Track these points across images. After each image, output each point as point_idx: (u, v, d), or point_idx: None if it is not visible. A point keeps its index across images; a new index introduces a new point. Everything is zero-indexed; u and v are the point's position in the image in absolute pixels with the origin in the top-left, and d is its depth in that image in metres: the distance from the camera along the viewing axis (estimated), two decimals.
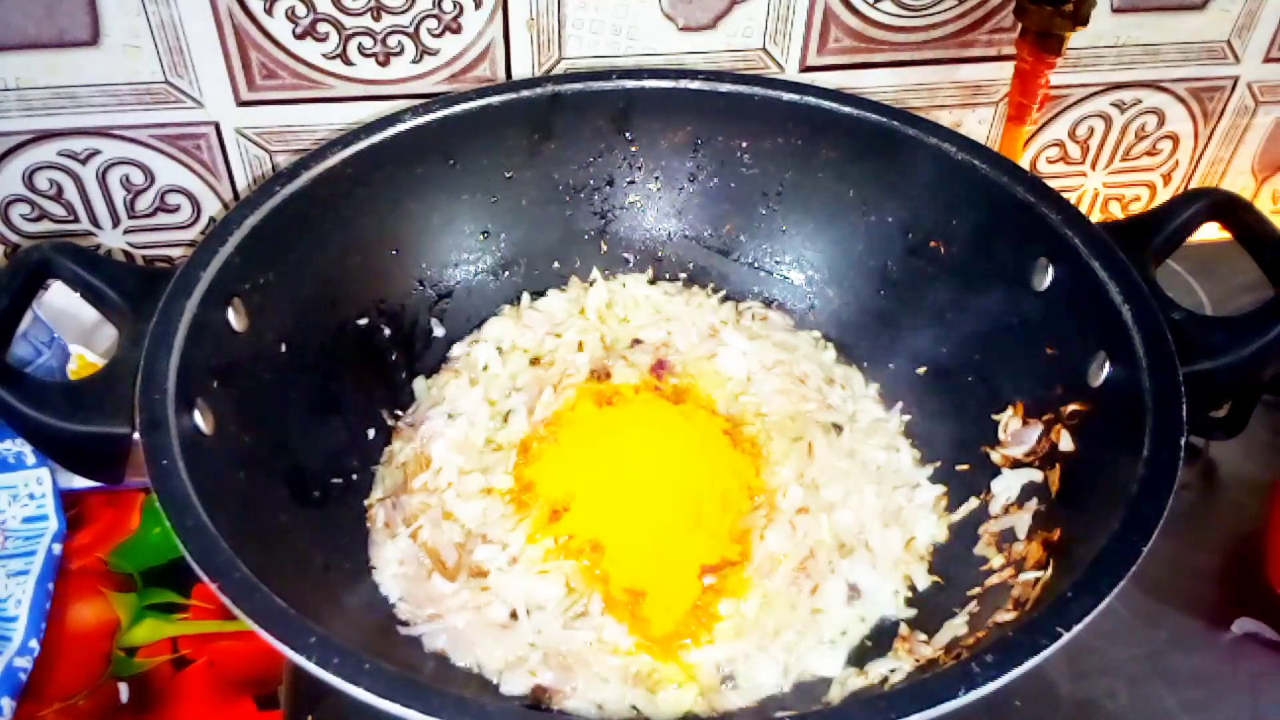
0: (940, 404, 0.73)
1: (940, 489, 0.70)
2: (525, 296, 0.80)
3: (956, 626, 0.60)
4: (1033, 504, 0.64)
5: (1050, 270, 0.66)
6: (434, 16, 0.79)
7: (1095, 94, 0.94)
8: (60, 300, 0.76)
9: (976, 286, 0.72)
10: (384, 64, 0.81)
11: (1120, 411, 0.58)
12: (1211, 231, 0.66)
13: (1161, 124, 0.97)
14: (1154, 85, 0.94)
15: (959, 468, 0.70)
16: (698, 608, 0.63)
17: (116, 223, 0.87)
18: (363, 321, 0.73)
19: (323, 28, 0.78)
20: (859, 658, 0.62)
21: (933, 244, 0.74)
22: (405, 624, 0.62)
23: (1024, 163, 0.89)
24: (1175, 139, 0.98)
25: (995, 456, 0.68)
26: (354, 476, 0.69)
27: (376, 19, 0.79)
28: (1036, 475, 0.65)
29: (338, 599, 0.61)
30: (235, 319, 0.62)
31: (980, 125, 0.94)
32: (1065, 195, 0.67)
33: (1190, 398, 0.55)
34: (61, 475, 0.73)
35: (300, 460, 0.65)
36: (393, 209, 0.74)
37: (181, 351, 0.56)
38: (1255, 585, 0.70)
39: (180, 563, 0.52)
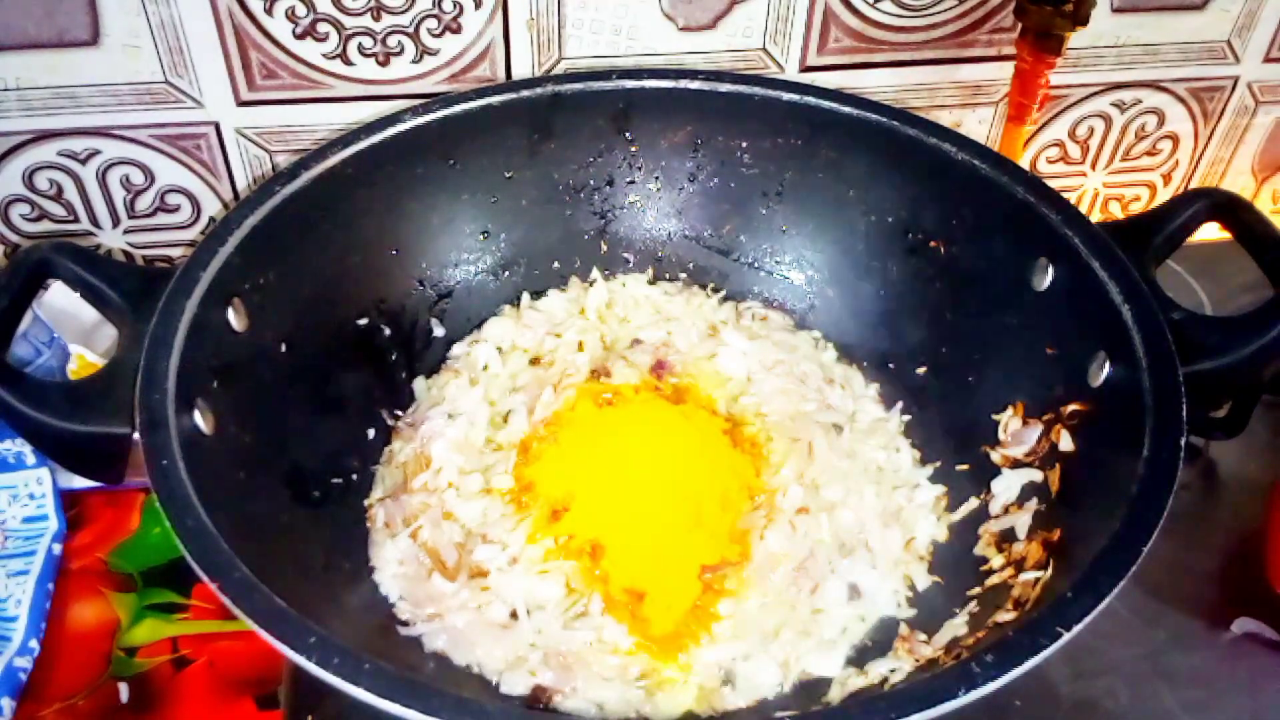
0: (940, 404, 0.73)
1: (940, 489, 0.70)
2: (525, 296, 0.80)
3: (956, 626, 0.60)
4: (1033, 504, 0.64)
5: (1050, 270, 0.66)
6: (434, 16, 0.79)
7: (1095, 94, 0.94)
8: (60, 300, 0.76)
9: (976, 286, 0.72)
10: (384, 64, 0.81)
11: (1120, 411, 0.58)
12: (1211, 231, 0.66)
13: (1161, 124, 0.97)
14: (1154, 85, 0.94)
15: (959, 468, 0.70)
16: (698, 608, 0.63)
17: (116, 223, 0.87)
18: (363, 321, 0.73)
19: (323, 28, 0.78)
20: (859, 658, 0.62)
21: (933, 244, 0.74)
22: (405, 624, 0.62)
23: (1024, 163, 0.89)
24: (1175, 139, 0.98)
25: (995, 456, 0.68)
26: (354, 476, 0.69)
27: (376, 19, 0.79)
28: (1036, 475, 0.65)
29: (338, 599, 0.61)
30: (235, 319, 0.62)
31: (980, 125, 0.94)
32: (1065, 195, 0.67)
33: (1190, 398, 0.55)
34: (61, 475, 0.73)
35: (300, 460, 0.65)
36: (393, 209, 0.74)
37: (181, 351, 0.56)
38: (1255, 585, 0.70)
39: (180, 563, 0.52)
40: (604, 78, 0.77)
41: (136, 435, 0.53)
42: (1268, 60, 0.94)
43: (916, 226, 0.75)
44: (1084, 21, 0.76)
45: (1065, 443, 0.63)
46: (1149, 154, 1.00)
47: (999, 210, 0.69)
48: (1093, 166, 1.00)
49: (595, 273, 0.82)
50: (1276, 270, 0.61)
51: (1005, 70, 0.85)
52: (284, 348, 0.66)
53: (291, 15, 0.77)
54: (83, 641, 0.67)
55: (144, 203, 0.86)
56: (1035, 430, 0.66)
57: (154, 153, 0.83)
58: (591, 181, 0.81)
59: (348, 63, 0.81)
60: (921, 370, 0.75)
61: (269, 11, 0.77)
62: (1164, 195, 1.03)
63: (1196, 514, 0.76)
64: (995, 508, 0.66)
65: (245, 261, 0.63)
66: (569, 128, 0.78)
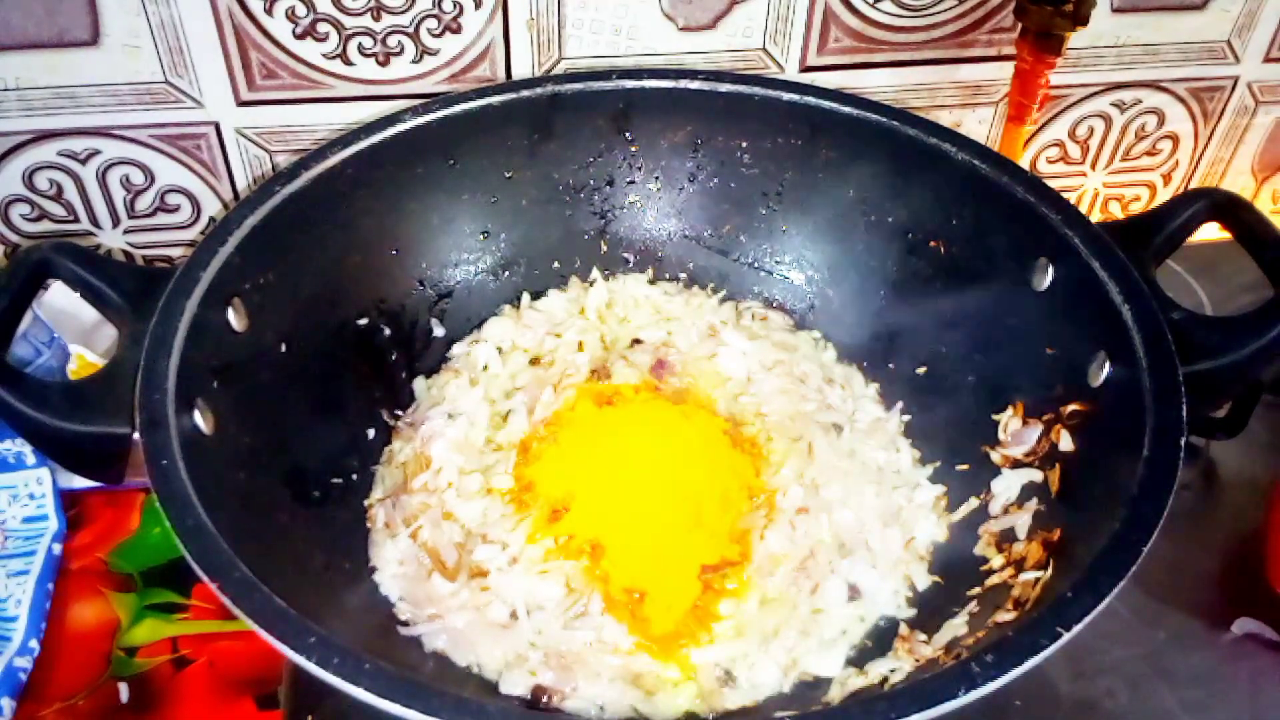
0: (940, 404, 0.73)
1: (940, 489, 0.70)
2: (525, 296, 0.80)
3: (956, 626, 0.59)
4: (1033, 504, 0.64)
5: (1050, 270, 0.66)
6: (434, 16, 0.79)
7: (1095, 94, 0.94)
8: (60, 300, 0.76)
9: (976, 287, 0.72)
10: (384, 64, 0.81)
11: (1120, 411, 0.58)
12: (1211, 231, 0.66)
13: (1161, 124, 0.97)
14: (1154, 85, 0.94)
15: (959, 468, 0.70)
16: (698, 608, 0.63)
17: (116, 223, 0.87)
18: (363, 321, 0.73)
19: (323, 28, 0.78)
20: (859, 658, 0.62)
21: (933, 244, 0.74)
22: (405, 624, 0.62)
23: (1024, 163, 0.89)
24: (1175, 139, 0.98)
25: (995, 456, 0.68)
26: (354, 476, 0.69)
27: (376, 19, 0.79)
28: (1036, 475, 0.65)
29: (338, 599, 0.61)
30: (235, 319, 0.62)
31: (980, 125, 0.94)
32: (1065, 195, 0.67)
33: (1190, 398, 0.55)
34: (61, 475, 0.73)
35: (300, 460, 0.65)
36: (393, 209, 0.74)
37: (181, 351, 0.56)
38: (1255, 585, 0.70)
39: (180, 563, 0.52)
40: (604, 78, 0.77)
41: (136, 435, 0.53)
42: (1268, 60, 0.94)
43: (916, 226, 0.75)
44: (1084, 21, 0.76)
45: (1065, 443, 0.63)
46: (1149, 154, 1.00)
47: (999, 210, 0.69)
48: (1093, 166, 1.00)
49: (595, 273, 0.82)
50: (1276, 270, 0.61)
51: (1005, 70, 0.85)
52: (284, 348, 0.66)
53: (291, 15, 0.77)
54: (83, 641, 0.67)
55: (144, 203, 0.86)
56: (1035, 430, 0.66)
57: (154, 153, 0.83)
58: (591, 181, 0.81)
59: (348, 63, 0.81)
60: (921, 370, 0.75)
61: (269, 11, 0.77)
62: (1164, 195, 1.03)
63: (1196, 514, 0.76)
64: (995, 508, 0.66)
65: (245, 261, 0.63)
66: (569, 128, 0.78)
